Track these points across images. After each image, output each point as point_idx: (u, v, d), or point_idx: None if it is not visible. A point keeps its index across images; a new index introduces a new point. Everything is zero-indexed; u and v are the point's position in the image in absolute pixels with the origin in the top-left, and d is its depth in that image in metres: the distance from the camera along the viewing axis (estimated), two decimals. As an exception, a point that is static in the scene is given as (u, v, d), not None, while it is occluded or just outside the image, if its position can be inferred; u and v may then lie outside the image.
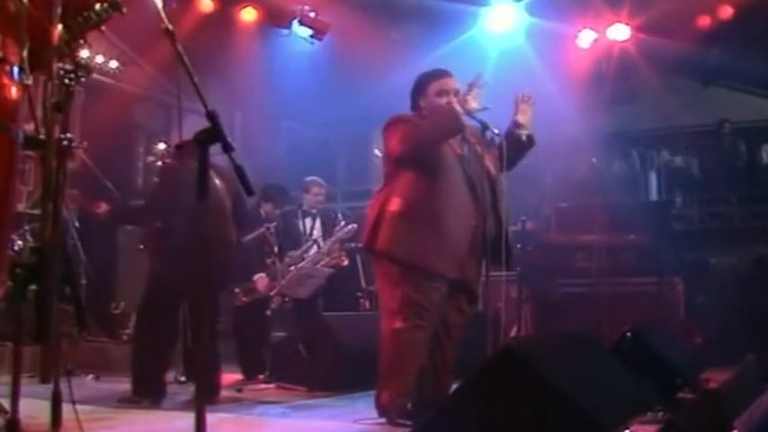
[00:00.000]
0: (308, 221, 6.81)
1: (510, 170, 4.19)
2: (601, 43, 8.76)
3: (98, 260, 7.15)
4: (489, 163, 4.23)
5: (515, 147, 4.23)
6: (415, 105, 4.30)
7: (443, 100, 4.19)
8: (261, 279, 6.31)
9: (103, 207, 5.30)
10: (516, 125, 4.29)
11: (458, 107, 4.04)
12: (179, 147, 5.07)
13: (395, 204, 4.10)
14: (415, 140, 4.05)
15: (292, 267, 6.37)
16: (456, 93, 4.21)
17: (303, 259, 6.50)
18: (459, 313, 4.23)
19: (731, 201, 9.73)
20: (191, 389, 4.94)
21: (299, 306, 6.63)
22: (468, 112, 4.04)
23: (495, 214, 4.17)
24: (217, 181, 4.85)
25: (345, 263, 6.72)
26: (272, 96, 9.20)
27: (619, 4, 8.34)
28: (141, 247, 6.01)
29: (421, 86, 4.28)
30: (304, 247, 6.62)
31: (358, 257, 6.89)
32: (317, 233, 6.77)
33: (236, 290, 6.33)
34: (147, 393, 4.76)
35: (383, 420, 4.01)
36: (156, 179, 5.16)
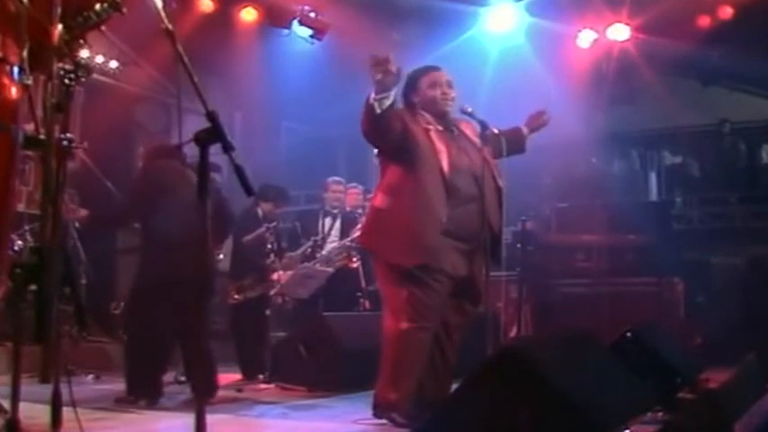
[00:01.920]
0: (328, 221, 6.85)
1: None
2: (601, 43, 8.76)
3: (98, 260, 7.15)
4: (490, 161, 4.23)
5: (511, 146, 4.26)
6: (408, 103, 4.28)
7: (436, 92, 4.21)
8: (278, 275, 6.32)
9: (81, 213, 5.31)
10: (530, 129, 4.44)
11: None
12: (178, 147, 5.08)
13: (378, 200, 4.17)
14: (365, 116, 3.95)
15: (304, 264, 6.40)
16: (449, 84, 4.25)
17: (306, 258, 6.52)
18: (459, 314, 4.22)
19: (731, 201, 9.73)
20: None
21: (299, 306, 6.63)
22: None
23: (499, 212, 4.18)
24: (194, 180, 4.84)
25: (355, 265, 6.73)
26: (272, 96, 9.20)
27: (619, 4, 8.34)
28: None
29: (412, 82, 4.28)
30: (303, 248, 6.63)
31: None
32: (335, 233, 6.79)
33: (230, 287, 6.34)
34: (142, 393, 4.75)
35: (383, 421, 4.00)
36: (134, 183, 5.21)
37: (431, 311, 4.02)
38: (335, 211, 6.91)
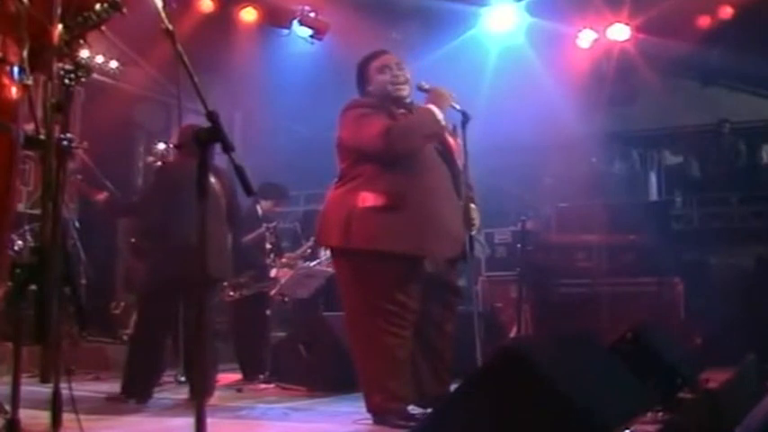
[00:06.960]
0: None
1: None
2: (601, 43, 8.77)
3: (98, 260, 7.15)
4: (452, 144, 4.19)
5: None
6: (363, 93, 4.21)
7: (386, 76, 4.12)
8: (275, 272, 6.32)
9: (102, 195, 5.32)
10: None
11: (434, 107, 3.98)
12: (178, 147, 5.09)
13: (367, 200, 3.95)
14: (404, 143, 3.92)
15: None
16: (398, 66, 4.15)
17: (306, 258, 6.53)
18: (444, 308, 4.14)
19: (731, 201, 9.72)
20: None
21: (299, 306, 6.63)
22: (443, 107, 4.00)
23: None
24: (213, 180, 4.85)
25: None
26: (272, 96, 9.20)
27: (619, 4, 8.35)
28: (132, 240, 6.02)
29: (362, 71, 4.20)
30: (303, 248, 6.63)
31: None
32: None
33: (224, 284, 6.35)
34: (135, 393, 4.76)
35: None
36: (153, 177, 5.21)
37: (400, 315, 3.90)
38: None
